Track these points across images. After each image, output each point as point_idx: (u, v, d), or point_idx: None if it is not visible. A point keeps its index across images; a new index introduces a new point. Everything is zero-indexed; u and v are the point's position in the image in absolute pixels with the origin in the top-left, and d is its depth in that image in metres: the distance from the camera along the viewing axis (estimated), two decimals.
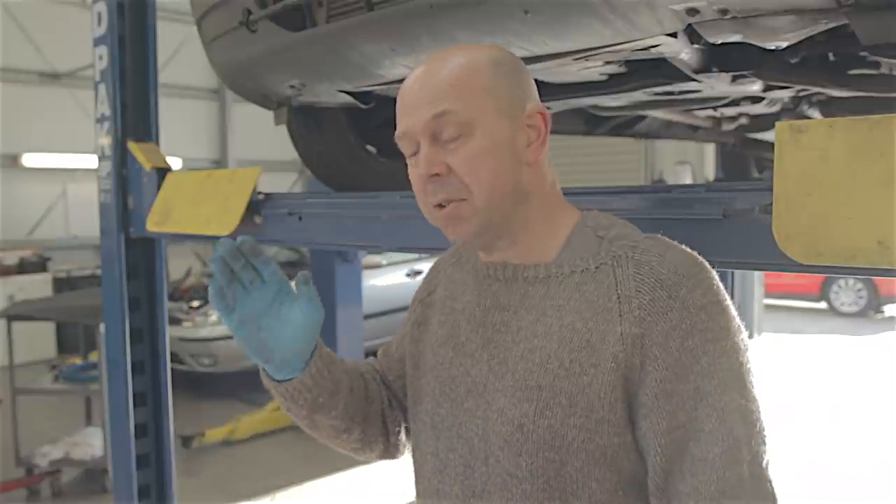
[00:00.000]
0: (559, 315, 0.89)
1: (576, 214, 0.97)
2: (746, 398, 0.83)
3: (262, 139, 7.49)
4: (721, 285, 0.87)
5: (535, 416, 0.86)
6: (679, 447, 0.82)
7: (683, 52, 1.31)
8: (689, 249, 0.89)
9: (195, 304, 6.49)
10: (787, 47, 1.21)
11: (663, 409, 0.82)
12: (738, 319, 0.86)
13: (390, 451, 1.14)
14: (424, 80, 0.91)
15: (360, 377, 1.10)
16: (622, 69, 1.57)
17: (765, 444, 0.83)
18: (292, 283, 0.97)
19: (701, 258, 0.89)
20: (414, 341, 1.07)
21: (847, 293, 9.85)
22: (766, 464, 0.83)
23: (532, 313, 0.91)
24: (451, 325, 1.01)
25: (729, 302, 0.86)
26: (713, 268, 0.90)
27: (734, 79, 1.55)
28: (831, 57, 1.56)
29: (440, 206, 0.91)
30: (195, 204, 2.05)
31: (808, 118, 2.26)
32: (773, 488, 0.83)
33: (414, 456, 1.07)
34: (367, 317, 6.07)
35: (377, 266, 6.94)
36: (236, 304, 0.94)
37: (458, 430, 0.94)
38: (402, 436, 1.14)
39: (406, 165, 0.96)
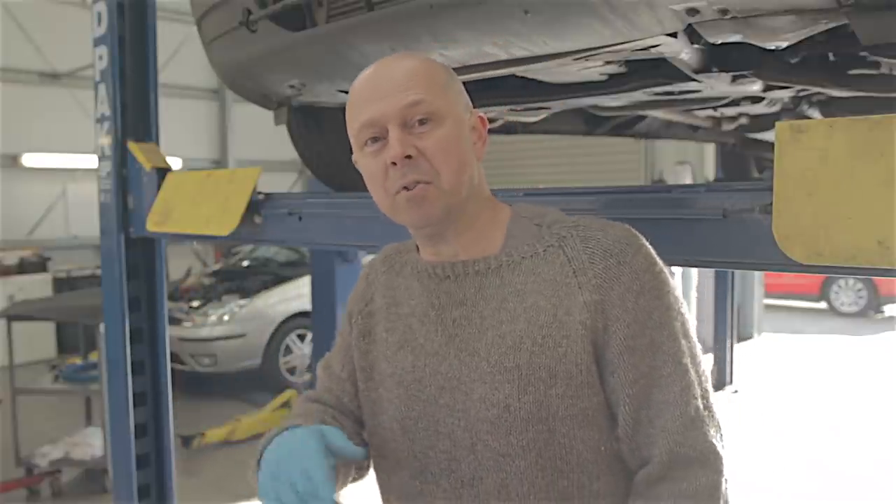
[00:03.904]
0: (520, 299, 0.95)
1: (508, 208, 1.04)
2: (691, 342, 0.95)
3: (262, 139, 7.48)
4: (651, 248, 0.97)
5: (520, 393, 0.91)
6: (644, 395, 0.91)
7: (683, 52, 1.31)
8: (620, 223, 0.98)
9: (195, 304, 6.48)
10: (787, 47, 1.21)
11: (628, 363, 0.91)
12: (670, 274, 0.97)
13: (362, 474, 1.13)
14: (390, 72, 0.96)
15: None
16: (622, 69, 1.57)
17: (708, 380, 0.95)
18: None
19: (632, 228, 0.98)
20: (362, 354, 1.08)
21: (847, 293, 9.84)
22: (712, 396, 0.95)
23: (492, 302, 0.96)
24: (403, 331, 1.03)
25: (662, 263, 0.97)
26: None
27: (734, 79, 1.55)
28: (831, 57, 1.56)
29: (405, 189, 0.94)
30: (195, 204, 2.05)
31: (808, 118, 2.26)
32: (718, 418, 0.94)
33: (380, 467, 1.06)
34: None
35: None
36: None
37: (437, 426, 0.97)
38: (371, 449, 1.12)
39: None
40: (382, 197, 0.97)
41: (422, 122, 0.94)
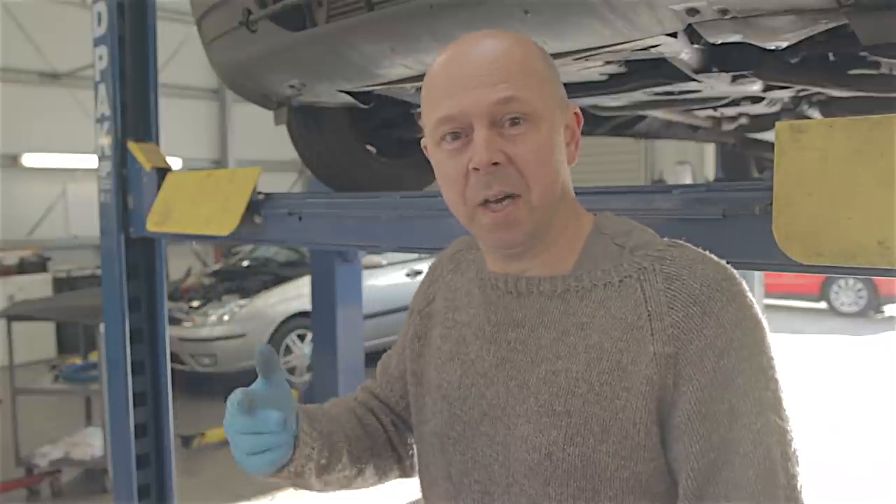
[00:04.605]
0: (583, 334, 0.83)
1: (590, 219, 0.91)
2: (782, 418, 0.78)
3: (262, 139, 7.49)
4: (751, 295, 0.82)
5: (565, 443, 0.80)
6: (713, 470, 0.77)
7: (683, 52, 1.31)
8: (716, 258, 0.84)
9: (195, 304, 6.48)
10: (787, 47, 1.21)
11: (697, 431, 0.77)
12: (768, 331, 0.81)
13: (407, 472, 1.10)
14: (477, 56, 0.83)
15: (351, 416, 1.05)
16: (622, 69, 1.57)
17: (799, 465, 0.78)
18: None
19: (730, 267, 0.84)
20: (415, 356, 1.01)
21: (847, 293, 9.84)
22: (801, 487, 0.78)
23: (552, 331, 0.85)
24: (456, 340, 0.94)
25: (761, 314, 0.82)
26: None
27: (734, 79, 1.55)
28: (831, 57, 1.56)
29: (486, 203, 0.82)
30: (195, 204, 2.05)
31: (808, 118, 2.25)
32: None
33: (422, 477, 1.01)
34: (367, 317, 6.07)
35: (377, 266, 6.94)
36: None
37: (474, 454, 0.88)
38: (416, 455, 1.08)
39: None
40: (459, 205, 0.85)
41: (514, 121, 0.81)
